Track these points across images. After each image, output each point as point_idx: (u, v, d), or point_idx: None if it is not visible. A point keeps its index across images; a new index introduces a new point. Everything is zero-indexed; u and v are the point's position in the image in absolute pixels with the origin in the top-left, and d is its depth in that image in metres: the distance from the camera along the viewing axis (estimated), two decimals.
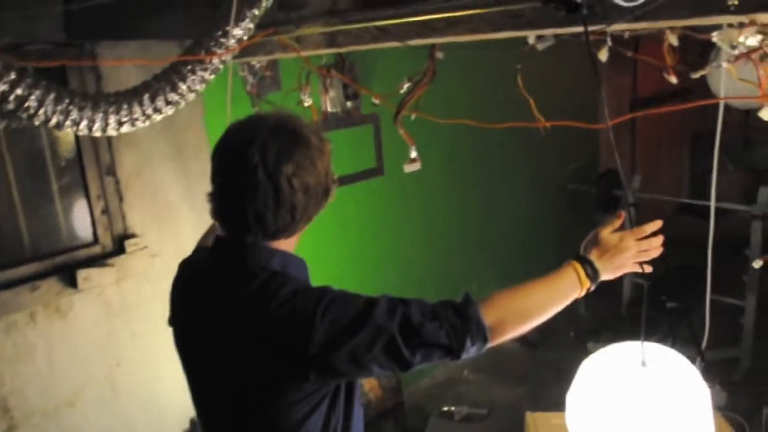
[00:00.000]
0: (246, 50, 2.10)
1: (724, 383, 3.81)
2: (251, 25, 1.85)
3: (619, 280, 4.59)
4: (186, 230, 2.84)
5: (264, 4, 1.81)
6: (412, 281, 4.08)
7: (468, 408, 3.23)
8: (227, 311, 1.28)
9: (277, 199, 1.21)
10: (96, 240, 2.65)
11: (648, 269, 1.39)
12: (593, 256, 1.36)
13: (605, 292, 5.16)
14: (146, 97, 1.79)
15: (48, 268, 2.52)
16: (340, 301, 1.22)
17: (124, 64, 2.37)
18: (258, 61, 2.59)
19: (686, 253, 2.82)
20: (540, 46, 1.65)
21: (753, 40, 1.25)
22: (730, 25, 1.30)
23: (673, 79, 1.51)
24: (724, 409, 2.47)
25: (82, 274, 2.54)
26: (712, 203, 1.47)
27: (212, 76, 1.87)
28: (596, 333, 3.43)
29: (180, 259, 1.52)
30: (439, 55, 1.93)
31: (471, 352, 1.24)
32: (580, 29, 1.38)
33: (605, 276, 1.37)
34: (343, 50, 2.06)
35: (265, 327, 1.21)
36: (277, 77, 2.93)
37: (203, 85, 1.87)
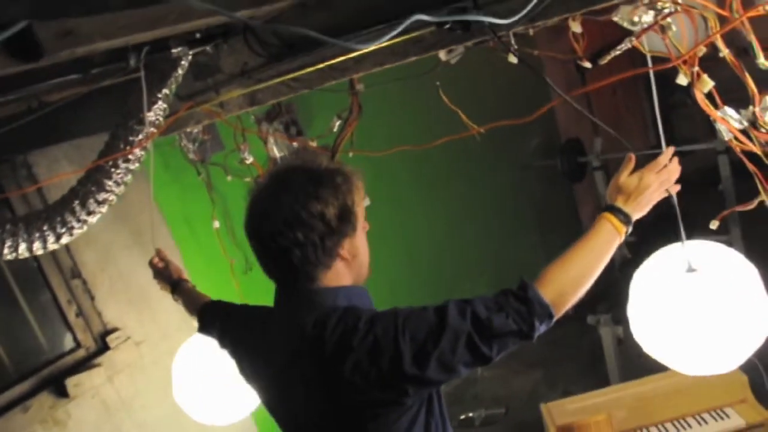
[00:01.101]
0: (173, 126, 2.08)
1: None
2: (165, 105, 1.82)
3: None
4: (165, 309, 2.81)
5: (173, 83, 1.78)
6: (401, 287, 4.05)
7: (485, 410, 3.21)
8: (313, 354, 1.33)
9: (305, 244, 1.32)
10: (78, 344, 2.62)
11: (675, 189, 1.46)
12: (620, 203, 1.42)
13: None
14: (76, 204, 1.76)
15: (35, 385, 2.49)
16: (414, 317, 1.28)
17: (54, 182, 2.35)
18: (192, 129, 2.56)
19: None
20: (452, 60, 1.64)
21: (648, 17, 1.24)
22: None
23: (587, 65, 1.50)
24: None
25: (71, 382, 2.51)
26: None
27: (137, 165, 1.85)
28: (593, 305, 3.41)
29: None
30: (360, 87, 1.91)
31: (541, 330, 1.30)
32: (480, 39, 1.39)
33: (637, 215, 1.43)
34: (264, 106, 2.03)
35: (355, 361, 1.27)
36: (218, 137, 2.90)
37: (130, 176, 1.84)
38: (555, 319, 1.31)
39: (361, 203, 1.41)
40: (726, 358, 1.41)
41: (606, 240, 1.39)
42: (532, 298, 1.28)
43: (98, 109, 2.17)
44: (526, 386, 3.96)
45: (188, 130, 2.58)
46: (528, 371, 4.12)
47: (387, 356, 1.25)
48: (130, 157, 1.84)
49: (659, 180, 1.42)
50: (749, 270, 1.43)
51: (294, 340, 1.38)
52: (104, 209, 1.87)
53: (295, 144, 3.12)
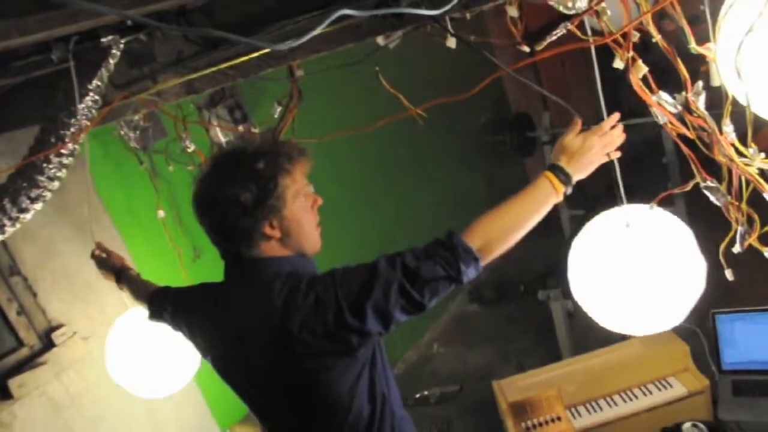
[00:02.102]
0: (109, 116, 2.00)
1: None
2: (97, 97, 1.75)
3: (557, 215, 4.66)
4: (111, 302, 2.73)
5: (104, 73, 1.71)
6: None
7: (440, 389, 3.24)
8: (264, 315, 1.42)
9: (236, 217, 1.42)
10: (20, 343, 2.53)
11: (616, 155, 1.50)
12: (563, 162, 1.47)
13: (547, 229, 5.22)
14: (6, 202, 1.69)
15: None
16: (349, 273, 1.40)
17: None
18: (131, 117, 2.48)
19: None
20: (391, 46, 1.61)
21: (582, 2, 1.23)
22: None
23: (526, 48, 1.49)
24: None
25: (15, 383, 2.42)
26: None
27: (71, 159, 1.78)
28: (543, 279, 3.47)
29: None
30: (299, 73, 1.87)
31: (470, 273, 1.39)
32: (416, 25, 1.37)
33: (578, 176, 1.48)
34: (202, 94, 1.97)
35: (301, 318, 1.37)
36: (160, 123, 2.82)
37: (64, 171, 1.77)
38: (483, 264, 1.41)
39: (295, 185, 1.46)
40: (662, 316, 1.45)
41: (542, 196, 1.46)
42: (456, 244, 1.38)
43: (31, 99, 2.08)
44: (480, 362, 4.02)
45: (127, 118, 2.50)
46: (483, 346, 4.18)
47: (330, 311, 1.35)
48: (63, 151, 1.77)
49: (602, 143, 1.47)
50: (685, 231, 1.47)
51: (243, 307, 1.49)
52: (38, 206, 1.80)
53: (240, 128, 3.06)
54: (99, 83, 1.74)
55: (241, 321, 1.50)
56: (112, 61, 1.74)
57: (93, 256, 2.27)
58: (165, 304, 1.85)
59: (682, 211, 3.79)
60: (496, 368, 3.91)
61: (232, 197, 1.41)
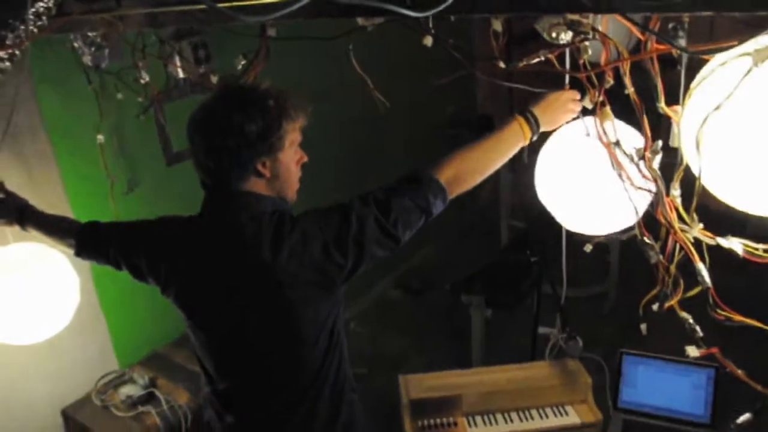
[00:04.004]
0: (63, 27, 1.88)
1: (594, 317, 4.07)
2: (51, 5, 1.64)
3: (497, 224, 4.71)
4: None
5: None
6: None
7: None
8: (250, 246, 1.49)
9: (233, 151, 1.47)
10: None
11: (577, 109, 1.56)
12: (536, 111, 1.57)
13: (485, 235, 5.24)
14: None
15: None
16: (330, 212, 1.50)
17: None
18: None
19: None
20: (369, 28, 1.56)
21: (566, 36, 1.22)
22: None
23: (501, 65, 1.47)
24: (582, 353, 2.60)
25: None
26: None
27: (8, 65, 1.67)
28: (469, 285, 3.50)
29: None
30: (271, 32, 1.80)
31: (438, 205, 1.51)
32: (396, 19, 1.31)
33: (545, 125, 1.57)
34: (166, 31, 1.87)
35: (289, 250, 1.46)
36: (119, 47, 2.67)
37: (0, 75, 1.66)
38: (451, 196, 1.52)
39: (294, 133, 1.53)
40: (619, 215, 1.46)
41: (512, 139, 1.57)
42: (422, 177, 1.50)
43: None
44: (392, 349, 4.05)
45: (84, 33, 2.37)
46: (398, 334, 4.22)
47: (316, 244, 1.46)
48: (1, 54, 1.65)
49: (571, 105, 1.56)
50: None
51: (228, 238, 1.52)
52: None
53: (202, 68, 2.94)
54: None
55: (225, 252, 1.53)
56: None
57: None
58: (109, 237, 1.79)
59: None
60: (407, 359, 3.95)
61: (238, 124, 1.44)
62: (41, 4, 1.64)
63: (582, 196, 1.47)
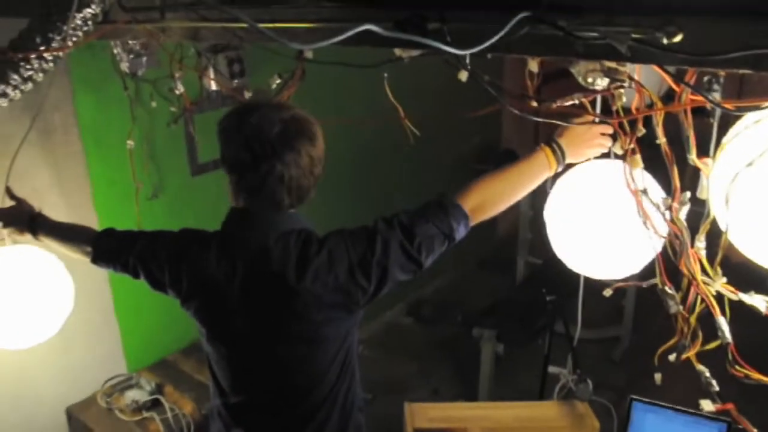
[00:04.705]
0: (106, 34, 1.93)
1: (606, 360, 4.02)
2: (98, 11, 1.69)
3: (514, 259, 4.68)
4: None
5: None
6: None
7: None
8: (278, 265, 1.50)
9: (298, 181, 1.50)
10: None
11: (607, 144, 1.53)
12: (563, 141, 1.56)
13: (501, 270, 5.18)
14: None
15: None
16: (356, 234, 1.52)
17: None
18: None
19: None
20: (406, 60, 1.58)
21: (602, 82, 1.23)
22: None
23: (534, 104, 1.48)
24: (592, 397, 2.56)
25: None
26: None
27: (51, 65, 1.70)
28: (482, 319, 3.48)
29: None
30: (309, 54, 1.83)
31: (461, 231, 1.51)
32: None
33: (571, 159, 1.56)
34: (205, 44, 1.90)
35: (315, 270, 1.48)
36: (156, 55, 2.73)
37: (41, 75, 1.70)
38: (473, 223, 1.53)
39: None
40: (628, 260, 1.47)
41: (536, 169, 1.57)
42: (447, 204, 1.50)
43: None
44: (400, 375, 4.03)
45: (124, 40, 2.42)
46: (406, 361, 4.19)
47: (342, 266, 1.47)
48: (45, 55, 1.69)
49: (600, 139, 1.53)
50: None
51: (255, 255, 1.53)
52: (4, 103, 1.72)
53: (235, 82, 2.99)
54: None
55: (251, 273, 1.54)
56: None
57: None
58: (129, 246, 1.74)
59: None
60: (413, 386, 3.92)
61: (306, 153, 1.47)
62: (89, 10, 1.70)
63: (592, 240, 1.46)
